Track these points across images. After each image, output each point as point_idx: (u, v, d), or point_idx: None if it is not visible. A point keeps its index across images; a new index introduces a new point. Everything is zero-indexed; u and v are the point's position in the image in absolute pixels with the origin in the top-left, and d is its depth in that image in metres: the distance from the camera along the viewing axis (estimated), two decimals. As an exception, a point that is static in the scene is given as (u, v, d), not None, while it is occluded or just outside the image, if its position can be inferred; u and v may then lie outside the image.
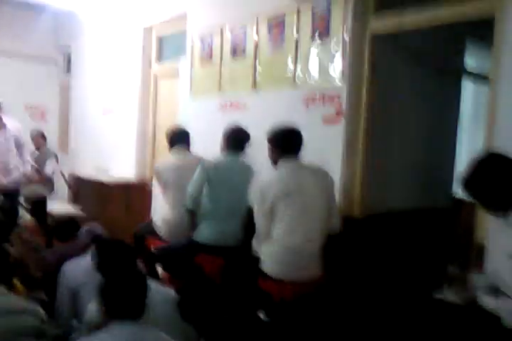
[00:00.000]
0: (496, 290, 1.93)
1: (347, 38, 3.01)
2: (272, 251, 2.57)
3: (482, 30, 2.50)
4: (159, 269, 3.17)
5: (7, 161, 4.93)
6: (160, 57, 5.15)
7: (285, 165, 2.64)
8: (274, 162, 2.71)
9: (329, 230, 2.67)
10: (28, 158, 5.23)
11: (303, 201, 2.56)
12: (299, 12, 3.29)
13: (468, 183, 1.87)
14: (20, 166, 5.03)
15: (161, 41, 5.13)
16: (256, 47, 3.64)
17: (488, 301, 1.86)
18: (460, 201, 3.25)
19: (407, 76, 3.33)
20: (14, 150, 4.97)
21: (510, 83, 2.33)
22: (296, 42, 3.32)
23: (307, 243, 2.56)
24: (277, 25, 3.46)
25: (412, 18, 2.80)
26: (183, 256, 3.06)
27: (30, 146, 5.34)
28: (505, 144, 2.28)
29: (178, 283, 2.94)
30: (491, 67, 2.47)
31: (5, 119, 4.97)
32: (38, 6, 5.79)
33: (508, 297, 1.83)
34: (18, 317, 1.91)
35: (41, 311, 2.00)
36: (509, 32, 2.33)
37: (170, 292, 2.21)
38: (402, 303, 2.14)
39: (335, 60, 3.08)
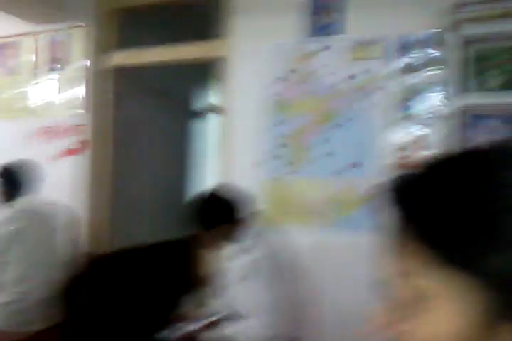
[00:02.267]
0: (233, 315, 2.01)
1: (88, 69, 2.91)
2: (2, 303, 2.27)
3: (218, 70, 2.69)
4: None
5: None
6: None
7: (15, 205, 2.38)
8: (4, 200, 2.43)
9: (68, 271, 2.49)
10: None
11: (34, 244, 2.33)
12: (36, 35, 3.05)
13: (196, 214, 1.94)
14: None
15: None
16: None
17: (226, 326, 1.92)
18: (195, 232, 3.36)
19: (151, 110, 3.37)
20: None
21: (239, 119, 2.53)
22: (33, 67, 3.06)
23: (41, 288, 2.32)
24: (9, 47, 3.15)
25: (149, 55, 2.86)
26: None
27: None
28: (238, 177, 2.46)
29: None
30: (223, 104, 2.65)
31: None
32: None
33: (245, 320, 1.92)
34: None
35: None
36: (236, 71, 2.54)
37: None
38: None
39: (75, 90, 2.92)
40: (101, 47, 2.93)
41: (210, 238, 2.03)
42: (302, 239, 2.23)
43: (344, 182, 2.27)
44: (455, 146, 1.99)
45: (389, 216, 0.51)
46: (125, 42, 2.97)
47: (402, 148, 2.18)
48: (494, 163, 0.47)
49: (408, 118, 2.18)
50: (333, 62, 2.32)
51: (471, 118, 2.05)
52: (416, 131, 2.16)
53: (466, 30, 2.02)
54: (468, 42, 2.06)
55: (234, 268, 1.96)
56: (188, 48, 2.75)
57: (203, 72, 3.48)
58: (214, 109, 4.07)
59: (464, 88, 2.04)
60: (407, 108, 2.18)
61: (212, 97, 4.20)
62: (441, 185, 0.48)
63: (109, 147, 2.99)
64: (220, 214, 1.93)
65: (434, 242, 0.46)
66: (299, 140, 2.37)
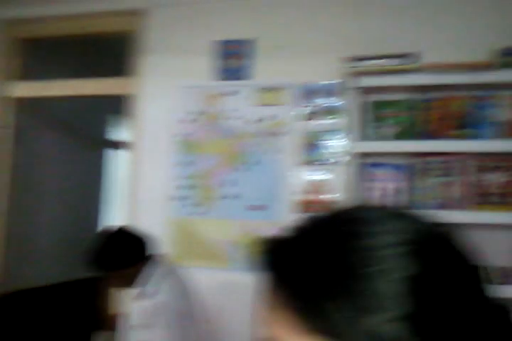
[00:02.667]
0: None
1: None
2: None
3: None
4: None
5: None
6: None
7: None
8: None
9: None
10: None
11: None
12: None
13: (96, 257, 1.85)
14: None
15: None
16: None
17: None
18: (98, 273, 3.23)
19: (57, 145, 3.25)
20: None
21: (146, 156, 2.49)
22: None
23: None
24: None
25: (56, 88, 2.77)
26: None
27: None
28: (144, 216, 2.41)
29: None
30: (131, 141, 2.60)
31: None
32: None
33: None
34: None
35: None
36: (145, 109, 2.53)
37: None
38: None
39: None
40: (3, 77, 2.80)
41: (112, 280, 1.94)
42: (206, 280, 2.20)
43: (249, 224, 2.29)
44: (353, 191, 2.07)
45: (264, 277, 0.50)
46: (32, 73, 2.87)
47: (306, 191, 2.25)
48: (362, 227, 0.47)
49: (312, 162, 2.26)
50: (241, 106, 2.38)
51: (368, 164, 2.16)
52: (319, 175, 2.25)
53: (365, 81, 2.15)
54: (366, 92, 2.19)
55: (136, 313, 1.88)
56: (98, 83, 2.71)
57: (117, 106, 3.42)
58: (124, 145, 3.98)
59: (362, 135, 2.16)
60: (310, 152, 2.27)
61: (123, 132, 4.11)
62: (307, 249, 0.47)
63: (6, 182, 2.82)
64: (122, 256, 1.86)
65: (299, 309, 0.45)
66: (206, 180, 2.37)
